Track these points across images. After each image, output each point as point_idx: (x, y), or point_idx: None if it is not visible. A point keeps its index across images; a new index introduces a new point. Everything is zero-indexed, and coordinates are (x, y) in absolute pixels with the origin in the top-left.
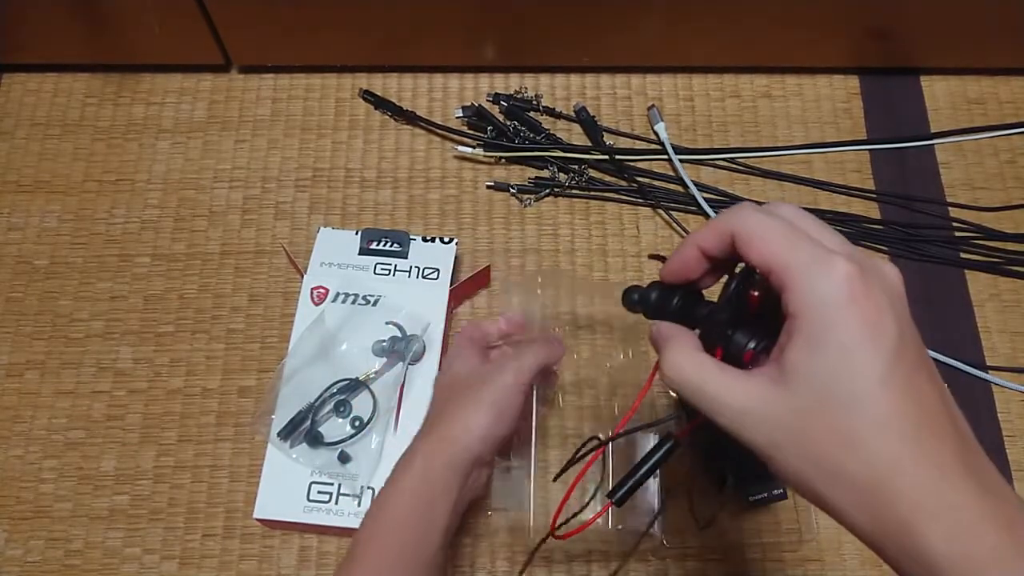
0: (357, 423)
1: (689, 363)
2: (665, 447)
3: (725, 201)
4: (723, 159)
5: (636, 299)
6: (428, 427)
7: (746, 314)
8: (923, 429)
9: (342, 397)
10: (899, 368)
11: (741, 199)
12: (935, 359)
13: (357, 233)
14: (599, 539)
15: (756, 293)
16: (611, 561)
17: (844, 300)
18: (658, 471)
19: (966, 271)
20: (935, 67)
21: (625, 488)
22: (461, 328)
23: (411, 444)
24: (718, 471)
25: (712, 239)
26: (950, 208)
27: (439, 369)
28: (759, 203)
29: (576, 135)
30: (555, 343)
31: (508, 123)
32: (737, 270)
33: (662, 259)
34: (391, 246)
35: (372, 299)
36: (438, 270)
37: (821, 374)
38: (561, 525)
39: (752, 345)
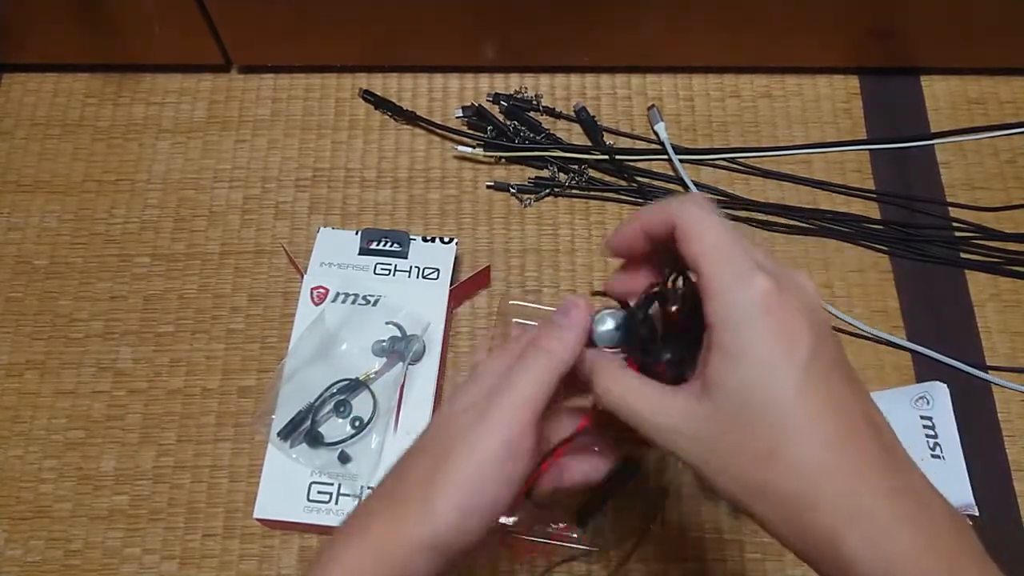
0: (357, 423)
1: (616, 386)
2: (627, 471)
3: (725, 201)
4: (723, 159)
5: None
6: (387, 486)
7: (673, 328)
8: (842, 436)
9: (342, 397)
10: (815, 377)
11: (741, 199)
12: (935, 359)
13: (357, 233)
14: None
15: (675, 308)
16: (611, 561)
17: (759, 313)
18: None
19: (966, 271)
20: (935, 67)
21: (589, 513)
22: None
23: (365, 506)
24: None
25: (655, 222)
26: (950, 208)
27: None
28: (763, 204)
29: (576, 135)
30: (562, 329)
31: (508, 123)
32: (655, 289)
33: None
34: (391, 246)
35: (372, 299)
36: (438, 270)
37: (739, 387)
38: (531, 490)
39: (667, 356)
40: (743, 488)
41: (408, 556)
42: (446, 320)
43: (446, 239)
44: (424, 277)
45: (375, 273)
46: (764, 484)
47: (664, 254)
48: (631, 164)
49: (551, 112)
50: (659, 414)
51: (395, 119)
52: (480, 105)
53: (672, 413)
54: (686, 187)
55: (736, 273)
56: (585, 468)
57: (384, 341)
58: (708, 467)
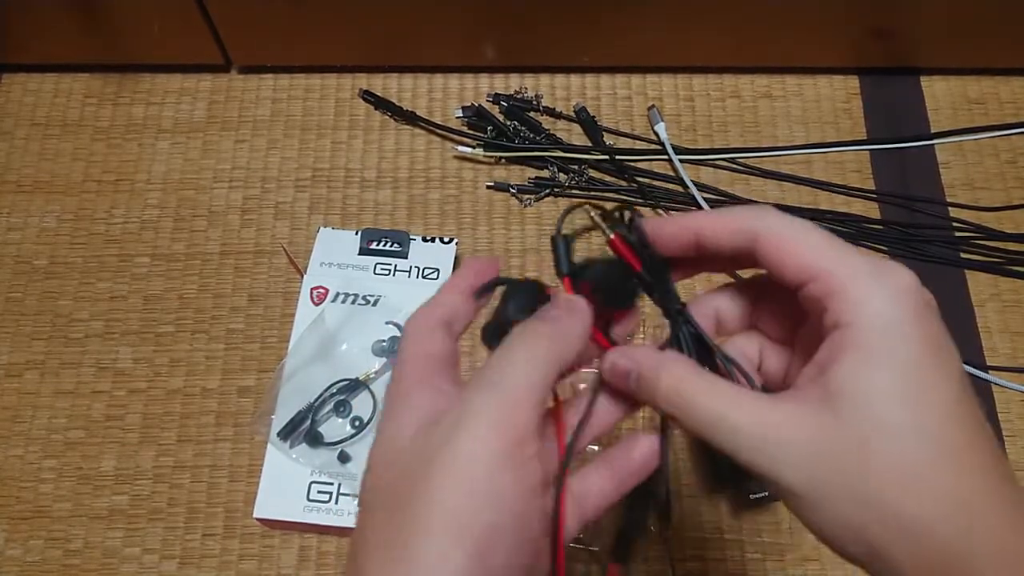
0: (357, 423)
1: (702, 392)
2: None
3: (725, 201)
4: (723, 159)
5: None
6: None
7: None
8: (988, 465)
9: (342, 397)
10: (966, 396)
11: (741, 199)
12: None
13: (357, 233)
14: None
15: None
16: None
17: (910, 315)
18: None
19: (966, 271)
20: (935, 67)
21: (625, 552)
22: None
23: None
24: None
25: (724, 233)
26: (950, 208)
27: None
28: (783, 206)
29: (576, 135)
30: (570, 315)
31: (508, 123)
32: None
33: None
34: (391, 246)
35: (372, 299)
36: (438, 270)
37: (882, 397)
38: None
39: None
40: (867, 516)
41: None
42: None
43: (446, 239)
44: (424, 277)
45: (375, 273)
46: (896, 512)
47: (709, 262)
48: (631, 164)
49: (551, 112)
50: (759, 424)
51: (395, 119)
52: (480, 105)
53: (779, 423)
54: (686, 187)
55: (870, 265)
56: (600, 486)
57: (384, 341)
58: (821, 490)
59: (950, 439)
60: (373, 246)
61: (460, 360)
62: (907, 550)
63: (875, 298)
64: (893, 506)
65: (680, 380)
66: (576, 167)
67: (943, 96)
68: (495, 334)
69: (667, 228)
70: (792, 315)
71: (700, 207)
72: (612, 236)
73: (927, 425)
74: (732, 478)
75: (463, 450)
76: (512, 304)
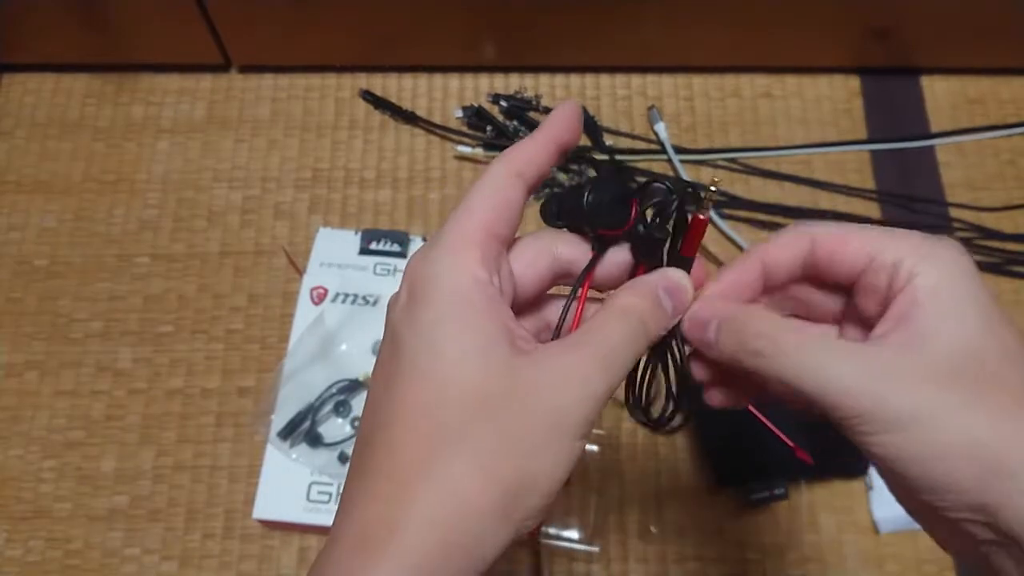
0: (357, 423)
1: (807, 341)
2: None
3: (725, 201)
4: (723, 159)
5: (555, 210)
6: (360, 494)
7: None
8: None
9: (342, 397)
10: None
11: (741, 199)
12: None
13: (357, 233)
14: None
15: (702, 217)
16: (611, 561)
17: (973, 274)
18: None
19: None
20: (935, 67)
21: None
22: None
23: (324, 550)
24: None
25: (785, 252)
26: (950, 208)
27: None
28: (763, 204)
29: None
30: (663, 314)
31: (508, 123)
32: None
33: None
34: (391, 246)
35: (372, 299)
36: None
37: (971, 334)
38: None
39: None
40: (976, 429)
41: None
42: None
43: None
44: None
45: (375, 273)
46: (1017, 419)
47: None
48: (631, 164)
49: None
50: (864, 367)
51: (395, 119)
52: (480, 105)
53: (879, 362)
54: (673, 179)
55: (923, 237)
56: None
57: None
58: (923, 417)
59: None
60: (373, 246)
61: (519, 224)
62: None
63: (942, 255)
64: (1010, 409)
65: (772, 328)
66: (576, 167)
67: (943, 96)
68: (557, 214)
69: (729, 279)
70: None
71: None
72: (702, 216)
73: (1010, 346)
74: (732, 478)
75: (573, 419)
76: (594, 198)
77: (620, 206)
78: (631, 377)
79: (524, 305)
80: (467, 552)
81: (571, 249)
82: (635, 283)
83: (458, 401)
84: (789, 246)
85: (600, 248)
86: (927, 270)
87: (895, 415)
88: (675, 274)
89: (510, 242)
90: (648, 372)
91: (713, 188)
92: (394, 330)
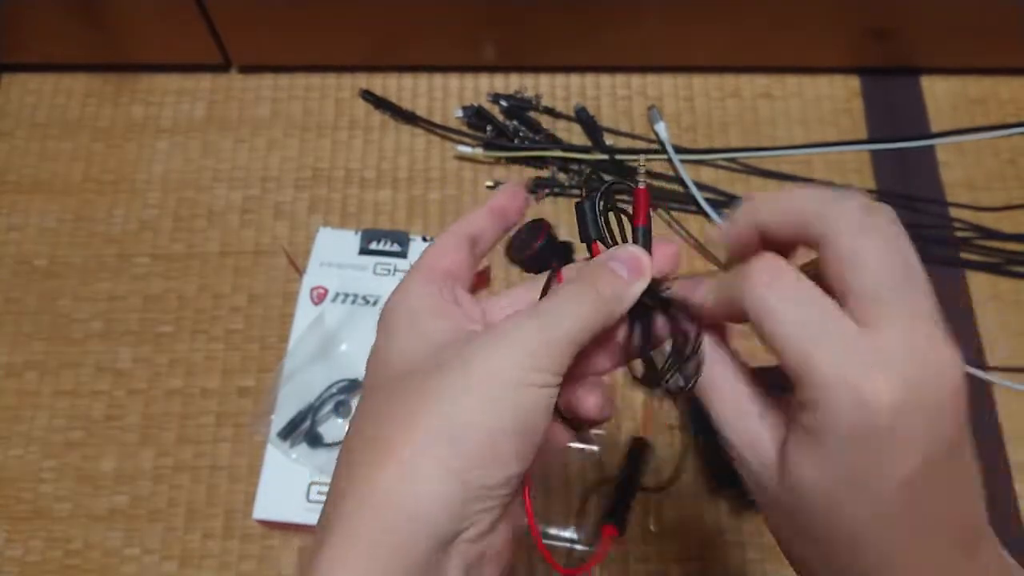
0: None
1: (723, 399)
2: (636, 451)
3: (725, 201)
4: (723, 159)
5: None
6: (343, 474)
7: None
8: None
9: (342, 397)
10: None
11: (741, 199)
12: None
13: (357, 233)
14: None
15: (642, 187)
16: (611, 562)
17: (877, 436)
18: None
19: (966, 271)
20: (935, 67)
21: (621, 513)
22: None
23: (322, 511)
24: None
25: (782, 222)
26: (950, 208)
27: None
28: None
29: (576, 135)
30: (621, 277)
31: (508, 123)
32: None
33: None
34: (391, 246)
35: (372, 299)
36: None
37: (816, 494)
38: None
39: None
40: (794, 553)
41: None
42: None
43: None
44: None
45: (375, 273)
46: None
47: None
48: (631, 164)
49: (551, 112)
50: (749, 445)
51: (395, 119)
52: (480, 105)
53: (755, 449)
54: (686, 187)
55: (842, 371)
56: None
57: None
58: (770, 514)
59: (877, 538)
60: (373, 246)
61: (472, 280)
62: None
63: (841, 411)
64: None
65: (713, 376)
66: (576, 167)
67: (943, 96)
68: (521, 251)
69: (740, 224)
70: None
71: (700, 207)
72: (642, 187)
73: (851, 524)
74: (732, 478)
75: (502, 364)
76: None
77: (533, 234)
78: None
79: None
80: (405, 510)
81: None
82: (581, 262)
83: (396, 378)
84: (783, 223)
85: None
86: (820, 417)
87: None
88: (622, 247)
89: (461, 278)
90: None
91: (642, 164)
92: (372, 346)
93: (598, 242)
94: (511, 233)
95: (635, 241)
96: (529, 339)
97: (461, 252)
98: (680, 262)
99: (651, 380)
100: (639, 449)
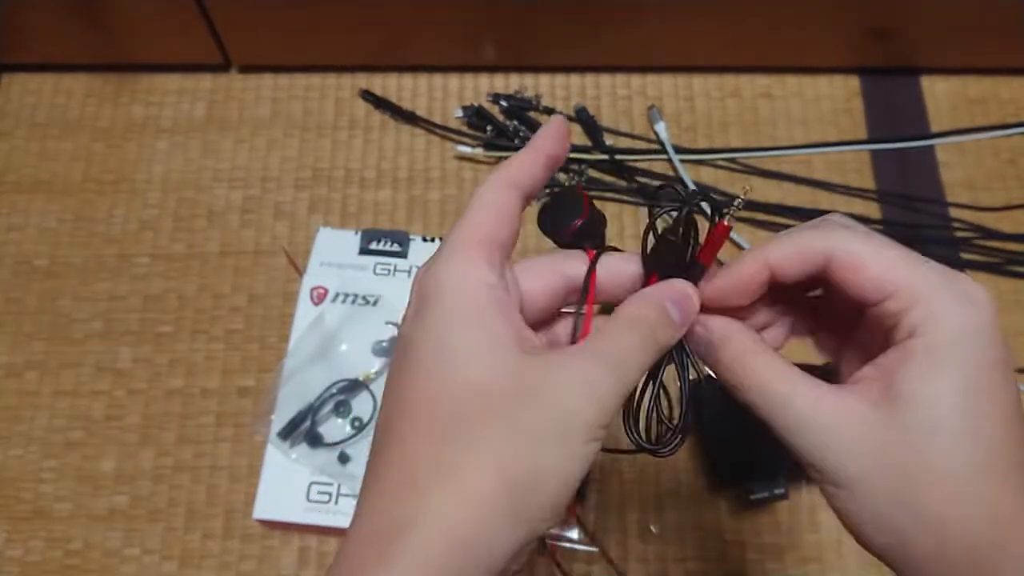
0: (357, 423)
1: (769, 371)
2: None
3: (725, 201)
4: (723, 159)
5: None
6: (407, 491)
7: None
8: None
9: (342, 397)
10: (1019, 418)
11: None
12: None
13: (357, 233)
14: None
15: (727, 224)
16: (611, 562)
17: (980, 332)
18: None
19: (967, 271)
20: (935, 67)
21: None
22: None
23: (348, 532)
24: (720, 467)
25: (794, 260)
26: (950, 208)
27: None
28: (763, 204)
29: (576, 135)
30: (671, 324)
31: (508, 123)
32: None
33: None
34: (391, 246)
35: (372, 299)
36: None
37: (944, 406)
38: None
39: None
40: (905, 519)
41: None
42: None
43: None
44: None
45: (375, 273)
46: (938, 520)
47: (783, 294)
48: (631, 164)
49: (551, 112)
50: (818, 411)
51: (395, 119)
52: (480, 105)
53: (835, 410)
54: (686, 187)
55: (945, 279)
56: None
57: (384, 341)
58: (862, 484)
59: (1000, 455)
60: (373, 246)
61: (518, 236)
62: (936, 550)
63: (949, 313)
64: (935, 510)
65: (743, 352)
66: (576, 167)
67: (943, 96)
68: (559, 226)
69: (726, 281)
70: (846, 316)
71: (700, 207)
72: (726, 223)
73: (982, 439)
74: (732, 478)
75: (583, 419)
76: (548, 212)
77: (572, 207)
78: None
79: (535, 323)
80: (475, 550)
81: (579, 266)
82: (641, 294)
83: (466, 397)
84: (795, 261)
85: (596, 256)
86: (930, 331)
87: (829, 475)
88: (680, 284)
89: (511, 249)
90: (645, 391)
91: (742, 197)
92: (404, 337)
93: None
94: (542, 200)
95: (690, 277)
96: (604, 391)
97: (514, 211)
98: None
99: (648, 444)
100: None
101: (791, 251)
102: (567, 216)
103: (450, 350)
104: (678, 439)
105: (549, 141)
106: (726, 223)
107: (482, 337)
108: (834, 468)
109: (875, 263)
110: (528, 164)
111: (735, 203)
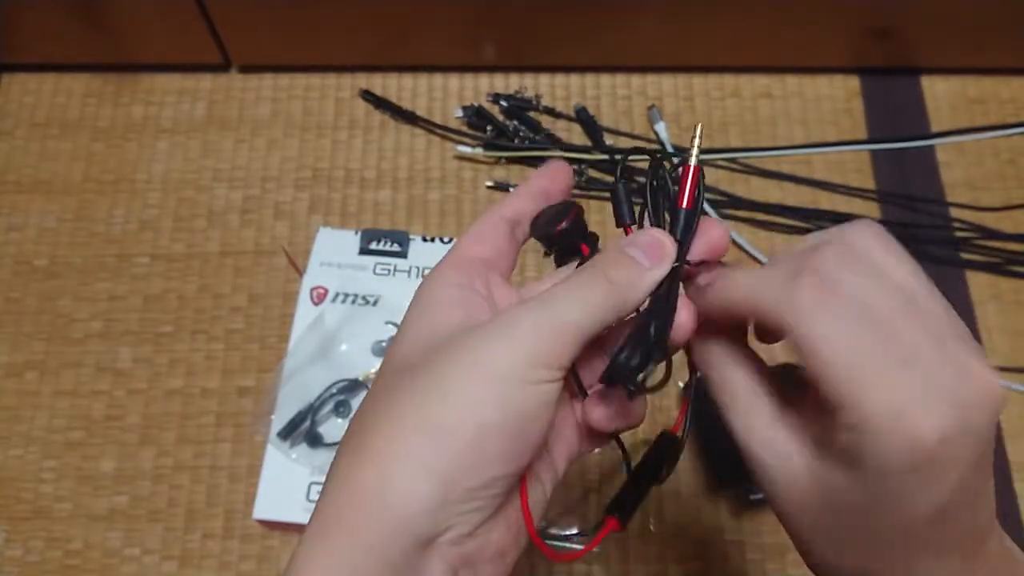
0: None
1: (739, 389)
2: (663, 446)
3: (725, 201)
4: (723, 159)
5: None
6: (331, 471)
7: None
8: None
9: (342, 397)
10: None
11: (741, 199)
12: None
13: (357, 233)
14: None
15: (694, 165)
16: (611, 561)
17: (909, 458)
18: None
19: (967, 271)
20: (935, 67)
21: (630, 506)
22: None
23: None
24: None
25: (734, 305)
26: (950, 208)
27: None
28: (763, 204)
29: (576, 135)
30: (639, 264)
31: (508, 123)
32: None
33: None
34: (391, 246)
35: (372, 299)
36: None
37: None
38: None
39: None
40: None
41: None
42: None
43: (446, 239)
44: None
45: (375, 273)
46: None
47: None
48: (631, 164)
49: (551, 112)
50: (767, 453)
51: (395, 119)
52: (480, 105)
53: (780, 466)
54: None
55: (885, 417)
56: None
57: (384, 341)
58: (801, 523)
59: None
60: (373, 246)
61: (515, 264)
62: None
63: (884, 451)
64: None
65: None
66: (576, 167)
67: (943, 96)
68: (546, 227)
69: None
70: None
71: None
72: (693, 163)
73: (910, 526)
74: (732, 478)
75: (497, 358)
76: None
77: (558, 215)
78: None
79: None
80: (386, 509)
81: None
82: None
83: (399, 366)
84: (737, 306)
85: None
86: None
87: (777, 509)
88: (645, 231)
89: (502, 267)
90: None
91: (697, 135)
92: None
93: (631, 228)
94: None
95: (675, 224)
96: (528, 331)
97: (499, 237)
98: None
99: (617, 376)
100: (666, 444)
101: (731, 293)
102: (556, 218)
103: (400, 337)
104: (650, 369)
105: (542, 179)
106: (692, 163)
107: (427, 319)
108: (771, 491)
109: (814, 356)
110: (517, 199)
111: (693, 142)
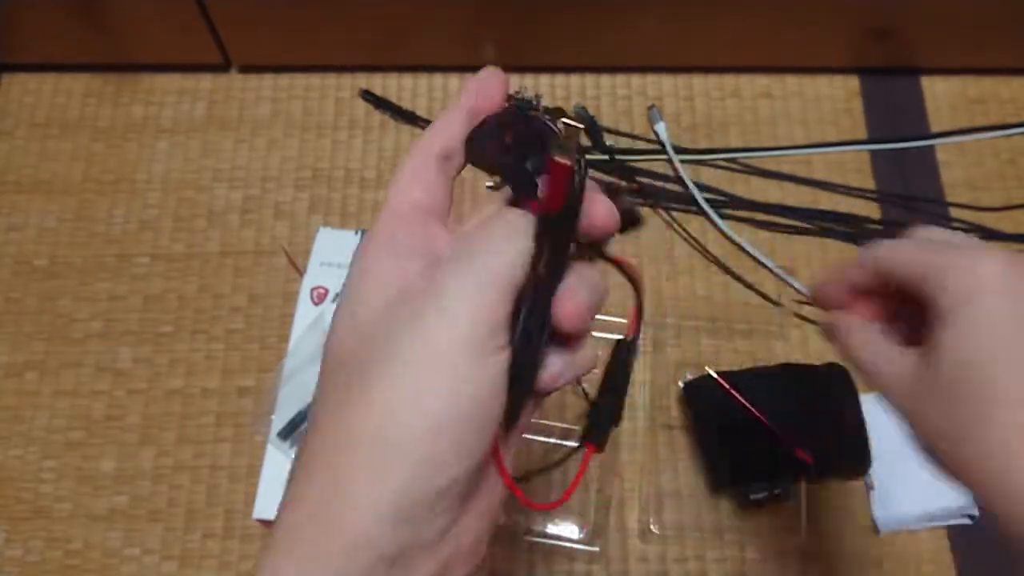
0: None
1: (859, 336)
2: (621, 352)
3: (725, 201)
4: (723, 159)
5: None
6: (297, 473)
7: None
8: None
9: None
10: None
11: (741, 199)
12: None
13: (357, 233)
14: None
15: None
16: (611, 561)
17: (990, 295)
18: None
19: None
20: (935, 67)
21: (604, 424)
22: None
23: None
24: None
25: (892, 270)
26: (950, 208)
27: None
28: (763, 204)
29: None
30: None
31: None
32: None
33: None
34: None
35: None
36: None
37: (961, 365)
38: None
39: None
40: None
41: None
42: None
43: None
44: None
45: None
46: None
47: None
48: (631, 164)
49: (551, 112)
50: (894, 375)
51: (395, 119)
52: None
53: (903, 373)
54: (686, 187)
55: (957, 257)
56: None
57: None
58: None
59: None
60: None
61: (452, 205)
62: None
63: (958, 283)
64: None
65: (850, 329)
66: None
67: (943, 96)
68: (481, 153)
69: (840, 281)
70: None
71: (700, 207)
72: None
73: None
74: (732, 478)
75: (433, 337)
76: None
77: (497, 128)
78: None
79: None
80: (344, 531)
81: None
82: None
83: (342, 350)
84: (894, 270)
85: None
86: (943, 299)
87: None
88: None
89: (442, 214)
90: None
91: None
92: None
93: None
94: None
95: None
96: (455, 298)
97: (431, 181)
98: (681, 265)
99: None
100: (623, 348)
101: (898, 258)
102: (495, 132)
103: (339, 312)
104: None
105: (468, 97)
106: (559, 160)
107: (366, 292)
108: (896, 394)
109: (903, 255)
110: (445, 127)
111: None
